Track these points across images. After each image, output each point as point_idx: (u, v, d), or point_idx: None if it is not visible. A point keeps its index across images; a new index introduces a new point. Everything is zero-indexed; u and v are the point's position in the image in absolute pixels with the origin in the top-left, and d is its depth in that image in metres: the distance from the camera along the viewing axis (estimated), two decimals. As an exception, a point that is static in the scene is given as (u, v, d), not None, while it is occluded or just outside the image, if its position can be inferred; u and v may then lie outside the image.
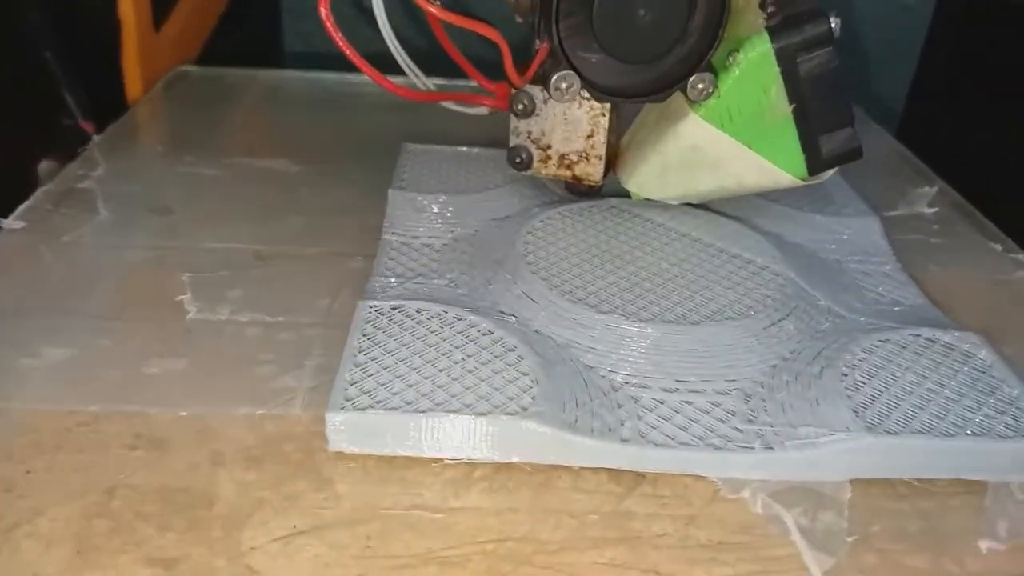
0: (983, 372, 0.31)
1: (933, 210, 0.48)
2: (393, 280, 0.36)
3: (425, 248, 0.39)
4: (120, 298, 0.35)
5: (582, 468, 0.28)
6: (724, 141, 0.36)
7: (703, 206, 0.41)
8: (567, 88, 0.35)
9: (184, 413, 0.29)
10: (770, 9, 0.36)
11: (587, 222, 0.39)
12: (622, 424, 0.29)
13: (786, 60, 0.35)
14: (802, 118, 0.36)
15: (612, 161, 0.41)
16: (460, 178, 0.43)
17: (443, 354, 0.30)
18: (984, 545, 0.26)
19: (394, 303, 0.33)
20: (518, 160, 0.40)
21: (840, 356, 0.32)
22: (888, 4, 0.80)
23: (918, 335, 0.33)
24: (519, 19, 0.40)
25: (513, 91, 0.38)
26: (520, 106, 0.38)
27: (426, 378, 0.29)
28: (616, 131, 0.41)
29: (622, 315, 0.33)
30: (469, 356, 0.30)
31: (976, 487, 0.28)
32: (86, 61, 0.54)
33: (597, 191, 0.41)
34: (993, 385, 0.31)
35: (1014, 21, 0.61)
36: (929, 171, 0.54)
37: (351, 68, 0.36)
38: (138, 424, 0.29)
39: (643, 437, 0.28)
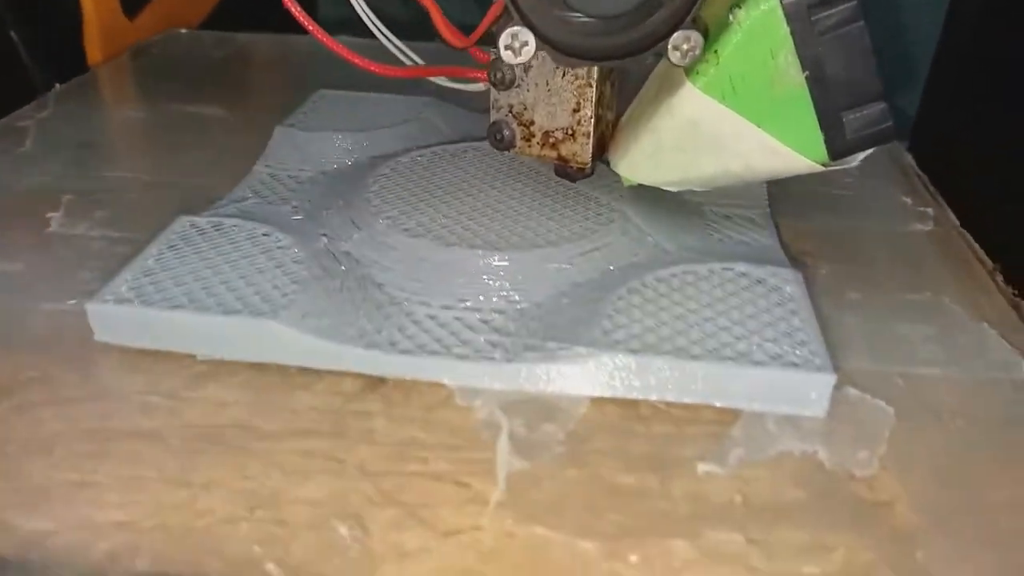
0: (778, 305, 0.30)
1: (855, 164, 0.45)
2: (236, 204, 0.37)
3: (289, 179, 0.40)
4: None
5: (329, 371, 0.29)
6: (727, 117, 0.31)
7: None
8: (520, 47, 0.30)
9: (-3, 307, 0.32)
10: None
11: (455, 162, 0.40)
12: (379, 333, 0.29)
13: (799, 18, 0.29)
14: (820, 89, 0.30)
15: (605, 142, 0.36)
16: (354, 119, 0.44)
17: (229, 263, 0.31)
18: (702, 468, 0.25)
19: (214, 220, 0.34)
20: (498, 137, 0.35)
21: (627, 282, 0.31)
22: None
23: (729, 268, 0.32)
24: None
25: (491, 59, 0.33)
26: (498, 74, 0.34)
27: (198, 281, 0.30)
28: (613, 107, 0.36)
29: (431, 240, 0.33)
30: (252, 265, 0.31)
31: (729, 416, 0.27)
32: (51, 42, 0.56)
33: (588, 175, 0.36)
34: (781, 317, 0.29)
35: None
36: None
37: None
38: (-43, 314, 0.32)
39: (393, 345, 0.29)
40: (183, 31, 0.64)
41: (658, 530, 0.23)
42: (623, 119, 0.36)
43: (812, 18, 0.29)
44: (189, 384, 0.28)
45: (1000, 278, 0.36)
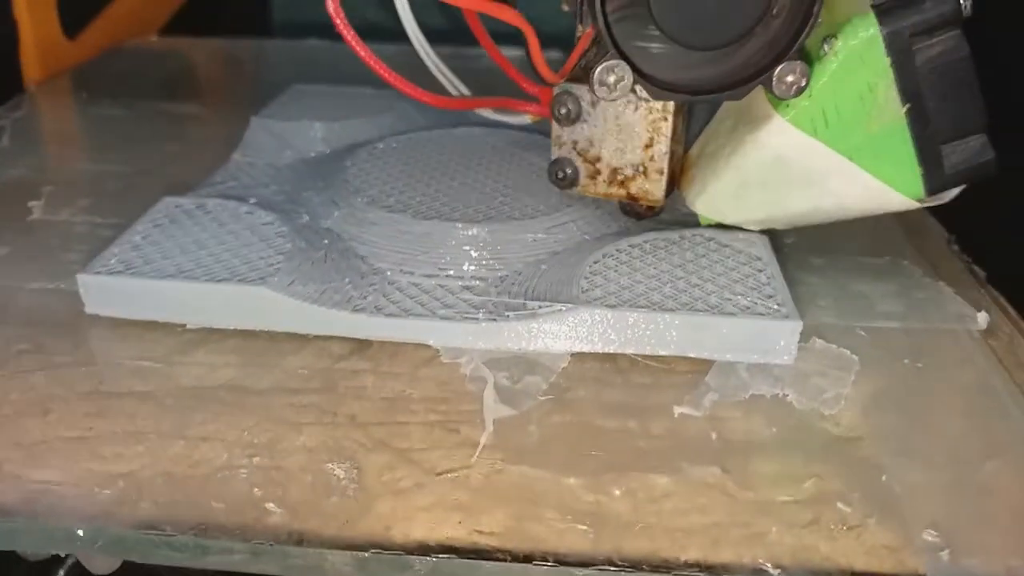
0: (746, 264, 0.31)
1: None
2: (217, 186, 0.38)
3: (267, 167, 0.41)
4: (-22, 203, 0.39)
5: (317, 336, 0.30)
6: (818, 151, 0.29)
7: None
8: (616, 82, 0.28)
9: (-25, 288, 0.32)
10: None
11: (434, 146, 0.41)
12: (364, 299, 0.30)
13: (899, 48, 0.27)
14: (920, 122, 0.28)
15: (676, 176, 0.34)
16: (330, 110, 0.45)
17: (214, 237, 0.32)
18: (678, 411, 0.27)
19: (198, 201, 0.35)
20: (560, 176, 0.33)
21: (604, 247, 0.32)
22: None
23: (699, 234, 0.33)
24: (565, 7, 0.32)
25: (555, 91, 0.32)
26: (563, 110, 0.32)
27: (185, 253, 0.31)
28: (682, 140, 0.34)
29: (412, 215, 0.34)
30: (237, 239, 0.32)
31: (703, 366, 0.29)
32: None
33: (657, 213, 0.35)
34: (749, 274, 0.31)
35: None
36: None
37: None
38: (-55, 294, 0.32)
39: (378, 310, 0.30)
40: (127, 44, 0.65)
41: (639, 466, 0.24)
42: (693, 152, 0.34)
43: (914, 48, 0.27)
44: (180, 350, 0.29)
45: (955, 246, 0.38)
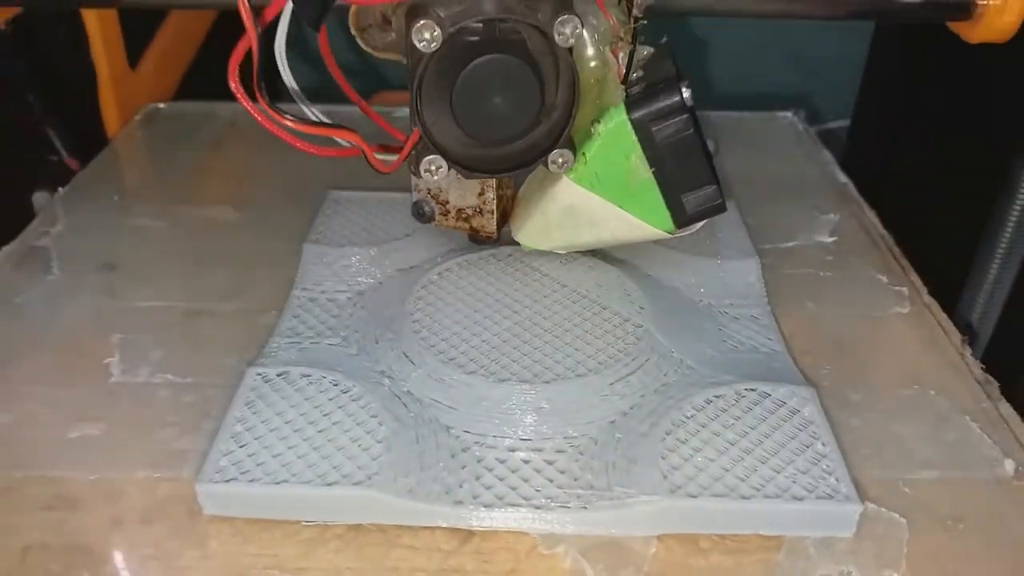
0: (802, 429, 0.35)
1: (833, 239, 0.50)
2: (287, 342, 0.40)
3: (329, 303, 0.43)
4: (56, 361, 0.40)
5: (424, 527, 0.32)
6: (595, 201, 0.39)
7: (591, 252, 0.44)
8: (436, 168, 0.37)
9: (93, 477, 0.34)
10: (634, 75, 0.38)
11: (478, 274, 0.43)
12: (460, 486, 0.33)
13: (642, 129, 0.37)
14: (663, 180, 0.38)
15: (508, 212, 0.44)
16: (373, 228, 0.47)
17: (311, 423, 0.34)
18: (761, 597, 0.30)
19: (280, 369, 0.37)
20: (421, 213, 0.43)
21: (669, 414, 0.35)
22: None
23: (752, 389, 0.36)
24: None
25: (414, 199, 0.42)
26: (425, 209, 0.43)
27: (290, 448, 0.33)
28: (511, 185, 0.44)
29: (483, 375, 0.36)
30: (334, 424, 0.34)
31: (775, 542, 0.32)
32: (66, 102, 0.59)
33: (495, 241, 0.44)
34: (807, 443, 0.34)
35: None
36: (852, 192, 0.56)
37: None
38: (56, 487, 0.34)
39: (476, 498, 0.32)
40: (161, 106, 0.65)
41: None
42: (520, 193, 0.44)
43: (653, 128, 0.37)
44: (301, 553, 0.31)
45: (969, 351, 0.42)
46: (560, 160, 0.38)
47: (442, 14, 0.34)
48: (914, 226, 0.52)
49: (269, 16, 0.34)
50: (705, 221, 0.40)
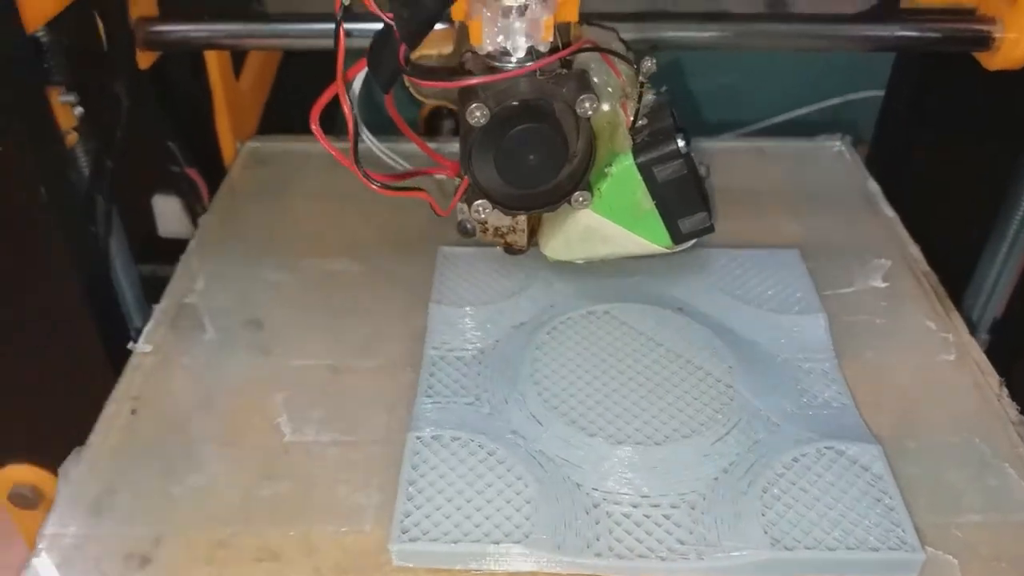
0: (873, 485, 0.42)
1: (885, 285, 0.57)
2: (430, 402, 0.47)
3: (457, 361, 0.50)
4: (232, 422, 0.47)
5: (571, 575, 0.40)
6: (608, 225, 0.50)
7: (681, 313, 0.51)
8: (483, 209, 0.47)
9: (292, 532, 0.42)
10: (640, 123, 0.48)
11: (582, 332, 0.50)
12: (597, 540, 0.40)
13: (646, 170, 0.48)
14: (663, 209, 0.49)
15: (535, 231, 0.54)
16: (485, 287, 0.54)
17: (468, 484, 0.42)
18: (848, 634, 0.38)
19: (433, 432, 0.44)
20: (464, 230, 0.52)
21: (763, 472, 0.42)
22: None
23: (830, 447, 0.44)
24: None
25: (459, 219, 0.52)
26: (468, 226, 0.52)
27: (458, 509, 0.41)
28: None
29: (603, 438, 0.44)
30: (488, 486, 0.42)
31: (853, 583, 0.40)
32: (185, 117, 0.66)
33: (523, 251, 0.55)
34: (878, 497, 0.41)
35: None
36: (896, 224, 0.62)
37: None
38: (261, 540, 0.41)
39: (611, 551, 0.40)
40: (259, 145, 0.71)
41: None
42: (545, 215, 0.52)
43: (654, 170, 0.47)
44: (476, 599, 0.39)
45: (1006, 393, 0.49)
46: (580, 199, 0.48)
47: (488, 97, 0.43)
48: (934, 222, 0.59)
49: (351, 76, 0.45)
50: (693, 241, 0.51)
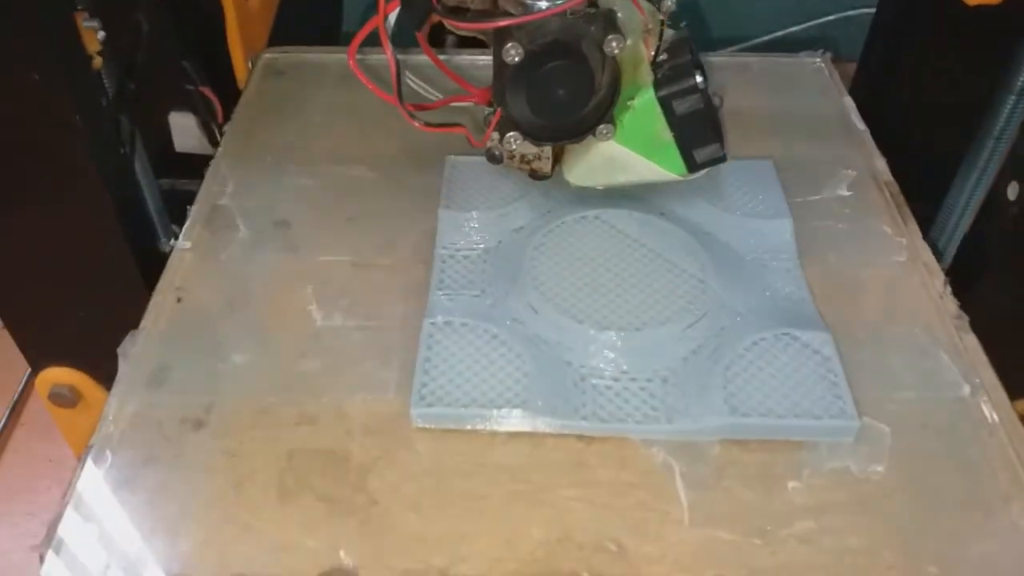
0: (821, 366, 0.49)
1: (850, 193, 0.63)
2: (442, 295, 0.54)
3: (464, 260, 0.56)
4: (268, 309, 0.54)
5: (560, 434, 0.47)
6: (629, 155, 0.54)
7: (662, 217, 0.57)
8: (514, 139, 0.52)
9: (326, 400, 0.49)
10: (661, 57, 0.52)
11: (576, 235, 0.56)
12: (584, 406, 0.48)
13: (665, 104, 0.51)
14: (680, 140, 0.53)
15: (558, 158, 0.57)
16: (489, 193, 0.60)
17: (476, 361, 0.49)
18: (790, 485, 0.45)
19: (445, 319, 0.51)
20: (493, 157, 0.56)
21: (726, 353, 0.49)
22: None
23: (786, 333, 0.50)
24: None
25: (487, 145, 0.55)
26: (493, 153, 0.56)
27: (467, 381, 0.48)
28: None
29: (590, 324, 0.51)
30: (492, 363, 0.49)
31: (800, 444, 0.47)
32: (197, 36, 0.71)
33: (548, 177, 0.58)
34: (824, 375, 0.49)
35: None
36: (866, 138, 0.67)
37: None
38: (298, 408, 0.49)
39: (595, 415, 0.47)
40: (276, 56, 0.75)
41: (778, 517, 0.44)
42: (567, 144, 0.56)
43: (673, 103, 0.51)
44: (480, 450, 0.47)
45: (949, 291, 0.56)
46: (604, 131, 0.52)
47: (521, 36, 0.48)
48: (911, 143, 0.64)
49: (390, 9, 0.50)
50: (707, 170, 0.55)
